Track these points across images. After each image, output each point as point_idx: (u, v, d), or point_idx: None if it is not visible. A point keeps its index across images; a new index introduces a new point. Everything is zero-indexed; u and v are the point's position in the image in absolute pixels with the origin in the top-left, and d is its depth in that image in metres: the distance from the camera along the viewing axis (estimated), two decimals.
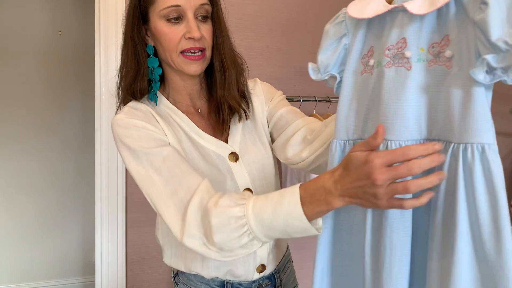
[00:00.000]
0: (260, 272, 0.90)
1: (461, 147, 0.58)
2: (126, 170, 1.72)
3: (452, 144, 0.59)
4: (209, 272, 0.87)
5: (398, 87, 0.63)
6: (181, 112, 0.88)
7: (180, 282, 0.93)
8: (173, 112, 0.87)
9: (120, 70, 0.88)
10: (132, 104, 0.86)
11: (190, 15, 0.80)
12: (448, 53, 0.59)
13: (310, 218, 0.67)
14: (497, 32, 0.54)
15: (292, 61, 1.91)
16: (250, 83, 0.98)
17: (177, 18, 0.80)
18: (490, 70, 0.58)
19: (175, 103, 0.89)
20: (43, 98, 2.79)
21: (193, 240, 0.71)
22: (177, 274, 0.95)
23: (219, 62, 0.86)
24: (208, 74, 0.91)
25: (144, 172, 0.76)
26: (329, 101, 1.68)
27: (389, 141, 0.62)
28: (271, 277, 0.91)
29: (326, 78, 0.73)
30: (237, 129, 0.91)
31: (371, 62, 0.67)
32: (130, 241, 1.74)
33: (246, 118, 0.91)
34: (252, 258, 0.88)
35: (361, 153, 0.59)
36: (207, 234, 0.70)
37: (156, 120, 0.84)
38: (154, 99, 0.86)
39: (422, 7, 0.60)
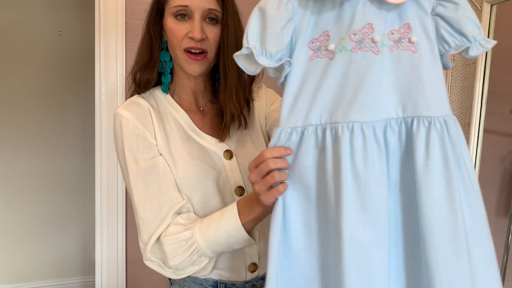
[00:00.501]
0: (253, 271, 0.92)
1: (441, 119, 0.66)
2: None
3: (431, 118, 0.66)
4: (203, 272, 0.89)
5: (368, 70, 0.66)
6: (181, 110, 0.91)
7: (175, 283, 0.95)
8: (174, 109, 0.91)
9: (135, 59, 0.93)
10: (134, 98, 0.91)
11: (197, 16, 0.84)
12: (414, 38, 0.66)
13: (247, 227, 0.79)
14: (470, 28, 0.67)
15: None
16: (255, 89, 1.01)
17: (184, 16, 0.85)
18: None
19: (179, 99, 0.93)
20: (43, 98, 2.79)
21: (152, 263, 0.84)
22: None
23: (222, 67, 0.89)
24: (215, 77, 0.95)
25: (130, 180, 0.84)
26: None
27: (363, 123, 0.65)
28: (265, 279, 0.91)
29: (278, 65, 0.69)
30: (235, 132, 0.94)
31: (331, 46, 0.67)
32: (130, 241, 1.74)
33: (245, 127, 0.94)
34: (241, 256, 0.90)
35: None
36: (164, 260, 0.82)
37: (151, 117, 0.88)
38: (165, 91, 0.92)
39: None
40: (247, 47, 0.67)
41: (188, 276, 0.90)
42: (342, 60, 0.67)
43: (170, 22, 0.85)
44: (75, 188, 2.89)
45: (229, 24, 0.87)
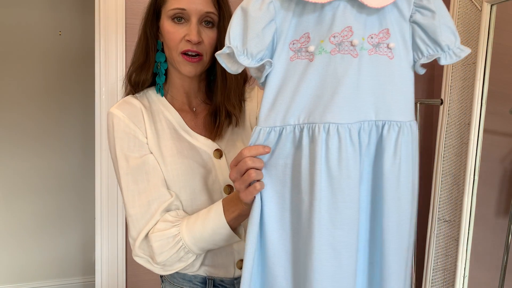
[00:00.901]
0: (241, 268, 0.91)
1: (408, 124, 0.69)
2: None
3: (400, 123, 0.68)
4: (191, 268, 0.91)
5: (346, 73, 0.67)
6: (174, 109, 0.94)
7: (166, 280, 0.98)
8: (166, 109, 0.93)
9: (131, 61, 0.96)
10: (127, 98, 0.94)
11: (194, 19, 0.86)
12: (391, 45, 0.68)
13: (232, 225, 0.81)
14: (445, 37, 0.69)
15: None
16: (248, 90, 1.03)
17: (181, 19, 0.86)
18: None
19: (172, 99, 0.96)
20: (43, 98, 2.79)
21: (140, 259, 0.87)
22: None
23: (221, 70, 0.90)
24: (209, 77, 0.97)
25: (121, 176, 0.87)
26: None
27: (339, 125, 0.66)
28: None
29: (259, 65, 0.70)
30: (226, 131, 0.96)
31: (311, 48, 0.68)
32: None
33: (236, 125, 0.96)
34: (229, 253, 0.92)
35: None
36: (151, 256, 0.84)
37: (143, 116, 0.91)
38: (159, 91, 0.94)
39: (375, 0, 0.66)
40: (229, 47, 0.68)
41: (177, 273, 0.92)
42: (321, 62, 0.68)
43: (167, 25, 0.87)
44: (75, 188, 2.89)
45: (225, 27, 0.86)
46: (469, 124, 1.77)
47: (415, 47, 0.71)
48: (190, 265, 0.88)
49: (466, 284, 1.75)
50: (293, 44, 0.70)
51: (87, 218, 2.90)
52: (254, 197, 0.72)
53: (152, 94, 0.96)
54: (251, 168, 0.70)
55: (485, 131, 1.71)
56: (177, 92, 0.95)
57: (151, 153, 0.89)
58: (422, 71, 0.73)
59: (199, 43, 0.87)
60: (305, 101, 0.69)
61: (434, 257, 1.90)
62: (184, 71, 0.88)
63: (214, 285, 0.93)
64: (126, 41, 1.70)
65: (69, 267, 2.88)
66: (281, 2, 0.69)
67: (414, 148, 0.70)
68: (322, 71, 0.68)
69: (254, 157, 0.71)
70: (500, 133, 1.77)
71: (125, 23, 1.69)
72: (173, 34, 0.86)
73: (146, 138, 0.89)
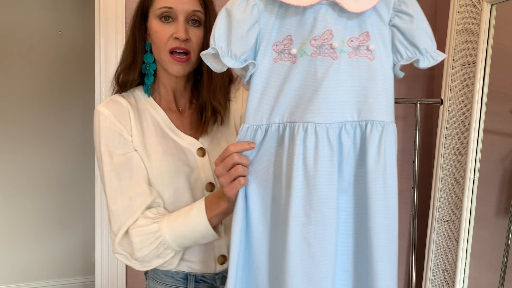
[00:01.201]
0: (223, 263, 0.95)
1: (391, 124, 0.70)
2: None
3: (383, 123, 0.70)
4: (170, 266, 0.93)
5: (326, 75, 0.69)
6: (160, 108, 0.96)
7: (149, 277, 0.99)
8: (152, 107, 0.95)
9: (119, 61, 0.98)
10: (115, 97, 0.96)
11: (181, 18, 0.88)
12: (371, 47, 0.70)
13: (213, 222, 0.84)
14: (423, 41, 0.71)
15: None
16: (233, 90, 1.05)
17: (169, 18, 0.88)
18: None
19: (159, 99, 0.98)
20: (43, 98, 2.79)
21: (120, 256, 0.88)
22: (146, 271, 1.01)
23: (207, 68, 0.90)
24: (196, 77, 0.99)
25: (104, 171, 0.89)
26: None
27: (317, 124, 0.69)
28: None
29: (243, 66, 0.73)
30: (211, 128, 0.98)
31: (293, 51, 0.71)
32: None
33: (221, 123, 0.98)
34: (210, 248, 0.93)
35: None
36: (131, 252, 0.85)
37: (129, 115, 0.93)
38: (147, 91, 0.95)
39: (357, 5, 0.69)
40: (213, 48, 0.71)
41: (160, 269, 0.94)
42: (303, 64, 0.71)
43: (155, 25, 0.89)
44: (75, 188, 2.89)
45: (211, 26, 0.87)
46: (469, 124, 1.77)
47: (395, 49, 0.73)
48: (169, 262, 0.90)
49: (466, 284, 1.75)
50: (276, 45, 0.72)
51: (87, 218, 2.90)
52: (238, 192, 0.74)
53: (139, 93, 0.98)
54: (237, 164, 0.73)
55: (485, 131, 1.71)
56: (165, 92, 0.98)
57: (136, 151, 0.91)
58: (401, 75, 0.75)
59: (186, 40, 0.88)
60: (288, 101, 0.71)
61: (434, 257, 1.90)
62: (172, 71, 0.90)
63: (195, 281, 0.94)
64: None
65: (69, 267, 2.88)
66: (264, 5, 0.72)
67: (395, 147, 0.72)
68: (303, 73, 0.71)
69: (240, 153, 0.74)
70: (500, 133, 1.77)
71: (125, 23, 1.69)
72: (161, 33, 0.88)
73: (131, 136, 0.91)
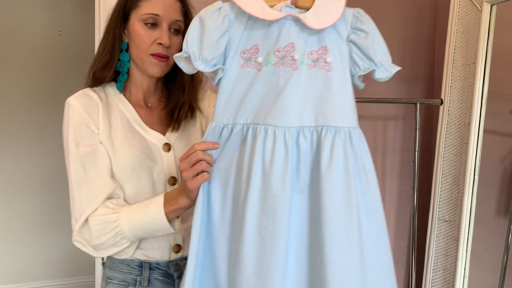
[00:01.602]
0: (177, 252, 1.00)
1: (346, 130, 0.76)
2: None
3: (337, 128, 0.76)
4: (125, 255, 0.97)
5: (287, 84, 0.77)
6: (129, 104, 1.01)
7: (106, 266, 1.04)
8: (121, 103, 1.01)
9: (96, 56, 1.02)
10: (86, 90, 1.01)
11: (164, 25, 0.94)
12: (329, 59, 0.78)
13: (169, 217, 0.88)
14: (378, 54, 0.79)
15: None
16: (201, 92, 1.11)
17: (153, 24, 0.94)
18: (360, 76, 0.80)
19: (129, 95, 1.03)
20: (42, 98, 2.79)
21: (78, 243, 0.93)
22: (104, 259, 1.07)
23: (181, 72, 0.98)
24: (167, 79, 1.05)
25: (70, 160, 0.95)
26: None
27: (276, 127, 0.76)
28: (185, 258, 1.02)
29: (213, 70, 0.80)
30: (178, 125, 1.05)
31: (259, 59, 0.79)
32: None
33: (191, 117, 1.06)
34: (166, 239, 0.98)
35: None
36: (89, 239, 0.90)
37: (98, 109, 0.97)
38: (120, 88, 1.01)
39: (318, 22, 0.77)
40: (186, 52, 0.78)
41: (116, 258, 0.99)
42: (267, 73, 0.78)
43: (138, 28, 0.94)
44: None
45: None
46: (469, 124, 1.77)
47: (353, 62, 0.81)
48: (124, 252, 0.94)
49: (466, 284, 1.76)
50: (244, 53, 0.80)
51: None
52: (199, 189, 0.80)
53: (110, 88, 1.03)
54: (201, 160, 0.79)
55: (485, 131, 1.71)
56: (135, 89, 1.03)
57: (101, 143, 0.96)
58: (361, 86, 0.84)
59: (168, 47, 0.95)
60: (253, 104, 0.79)
61: (434, 257, 1.90)
62: (151, 71, 0.96)
63: (150, 268, 0.98)
64: None
65: (69, 267, 2.88)
66: (235, 16, 0.79)
67: (358, 154, 0.76)
68: (267, 80, 0.78)
69: (204, 151, 0.80)
70: (500, 133, 1.77)
71: None
72: (145, 37, 0.93)
73: (98, 129, 0.96)
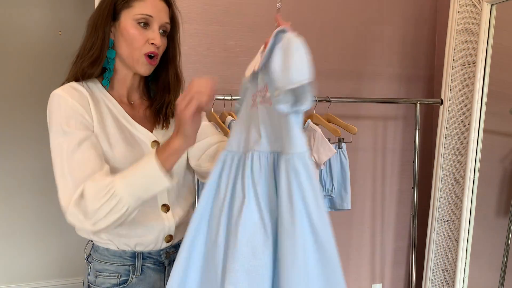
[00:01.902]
0: (168, 241, 1.04)
1: (289, 156, 0.82)
2: None
3: (284, 155, 0.83)
4: (119, 246, 1.00)
5: (253, 117, 0.91)
6: (114, 100, 1.03)
7: (94, 260, 1.02)
8: (107, 99, 1.02)
9: (81, 52, 1.02)
10: (73, 84, 1.00)
11: (155, 26, 0.98)
12: (267, 95, 0.88)
13: (166, 165, 0.87)
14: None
15: None
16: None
17: (146, 24, 0.97)
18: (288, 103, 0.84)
19: (112, 92, 1.05)
20: (42, 98, 2.78)
21: (73, 216, 0.88)
22: (89, 254, 1.05)
23: (173, 72, 1.06)
24: (147, 78, 1.09)
25: (58, 146, 0.91)
26: (329, 101, 1.68)
27: (251, 152, 0.88)
28: (177, 246, 1.03)
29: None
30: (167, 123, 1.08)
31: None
32: None
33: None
34: (161, 229, 1.01)
35: None
36: (85, 210, 0.86)
37: (89, 103, 0.98)
38: (106, 85, 1.03)
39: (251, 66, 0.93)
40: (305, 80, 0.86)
41: (107, 250, 1.00)
42: (258, 108, 0.93)
43: (131, 27, 0.97)
44: None
45: (175, 37, 1.06)
46: (469, 124, 1.77)
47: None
48: (121, 221, 0.90)
49: (466, 284, 1.76)
50: (253, 97, 0.94)
51: None
52: (193, 121, 0.87)
53: (92, 84, 1.03)
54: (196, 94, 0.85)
55: (485, 131, 1.72)
56: (119, 86, 1.04)
57: (95, 134, 0.96)
58: (283, 110, 0.88)
59: (159, 47, 0.99)
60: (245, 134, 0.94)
61: (434, 257, 1.90)
62: (140, 70, 0.99)
63: (143, 258, 1.01)
64: None
65: (69, 267, 2.88)
66: (248, 80, 0.97)
67: (299, 175, 0.81)
68: (246, 116, 0.95)
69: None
70: (500, 133, 1.77)
71: None
72: (139, 36, 0.97)
73: (93, 122, 0.96)
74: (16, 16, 2.71)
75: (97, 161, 0.91)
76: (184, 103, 0.85)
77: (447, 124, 1.87)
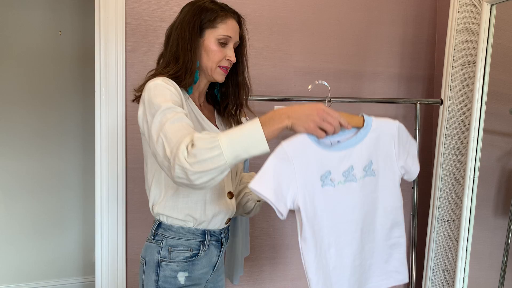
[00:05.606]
0: (227, 223, 1.24)
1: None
2: (126, 170, 1.72)
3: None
4: (194, 225, 1.15)
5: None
6: (191, 100, 1.20)
7: (166, 238, 1.15)
8: (190, 101, 1.19)
9: (179, 67, 1.13)
10: (168, 78, 1.12)
11: (231, 45, 1.18)
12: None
13: (266, 135, 0.95)
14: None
15: (292, 61, 1.91)
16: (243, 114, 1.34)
17: (224, 44, 1.16)
18: None
19: (191, 95, 1.22)
20: (43, 98, 2.79)
21: (181, 161, 0.92)
22: (156, 234, 1.17)
23: (242, 79, 1.25)
24: (216, 85, 1.29)
25: (159, 123, 0.99)
26: (330, 101, 1.68)
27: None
28: (228, 227, 1.30)
29: None
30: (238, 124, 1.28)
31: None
32: (130, 241, 1.74)
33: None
34: (226, 212, 1.21)
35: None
36: (193, 154, 0.92)
37: (182, 97, 1.12)
38: (191, 91, 1.19)
39: None
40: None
41: (182, 228, 1.15)
42: None
43: (213, 45, 1.15)
44: (75, 188, 2.89)
45: (244, 52, 1.24)
46: (469, 124, 1.77)
47: None
48: (215, 179, 0.96)
49: (466, 284, 1.75)
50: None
51: (87, 218, 2.90)
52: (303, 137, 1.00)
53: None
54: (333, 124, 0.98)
55: (485, 131, 1.72)
56: (194, 90, 1.23)
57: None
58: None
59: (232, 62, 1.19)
60: None
61: (434, 257, 1.90)
62: (217, 78, 1.18)
63: (210, 235, 1.19)
64: (126, 41, 1.69)
65: (69, 267, 2.88)
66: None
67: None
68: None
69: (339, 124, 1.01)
70: (500, 133, 1.77)
71: (125, 24, 1.69)
72: (219, 52, 1.15)
73: (185, 109, 1.08)
74: (16, 16, 2.71)
75: (194, 130, 1.01)
76: (318, 122, 0.97)
77: (447, 124, 1.87)
